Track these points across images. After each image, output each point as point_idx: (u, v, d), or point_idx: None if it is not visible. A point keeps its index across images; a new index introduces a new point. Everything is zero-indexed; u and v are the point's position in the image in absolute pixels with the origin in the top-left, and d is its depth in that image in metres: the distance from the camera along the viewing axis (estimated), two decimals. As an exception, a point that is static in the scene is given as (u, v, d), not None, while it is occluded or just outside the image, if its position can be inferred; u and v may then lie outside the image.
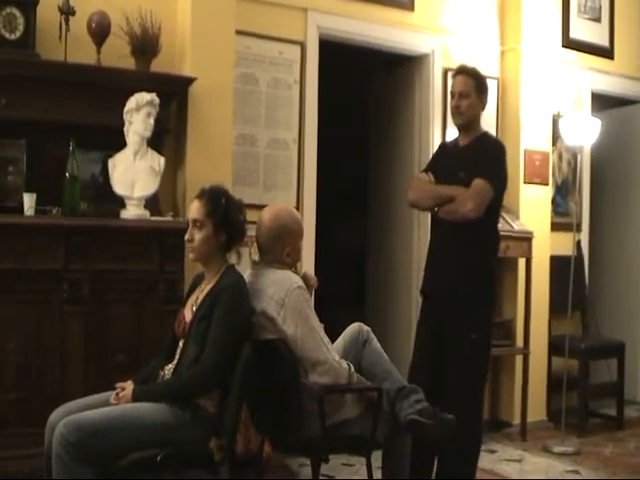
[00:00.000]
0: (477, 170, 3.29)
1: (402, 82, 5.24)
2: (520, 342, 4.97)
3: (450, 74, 4.28)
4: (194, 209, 2.75)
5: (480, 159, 3.35)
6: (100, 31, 3.58)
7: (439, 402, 3.02)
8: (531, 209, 5.14)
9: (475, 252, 3.35)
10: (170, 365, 2.71)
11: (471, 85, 3.41)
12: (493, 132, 5.01)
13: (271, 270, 2.87)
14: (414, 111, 5.12)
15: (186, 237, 2.76)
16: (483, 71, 3.56)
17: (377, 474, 2.95)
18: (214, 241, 2.74)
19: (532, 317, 4.96)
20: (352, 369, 2.83)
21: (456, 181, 3.34)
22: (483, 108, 3.50)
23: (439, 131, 5.00)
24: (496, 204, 3.40)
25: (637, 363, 5.89)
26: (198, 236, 2.73)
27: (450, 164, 3.44)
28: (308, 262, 4.30)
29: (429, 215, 3.63)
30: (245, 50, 4.25)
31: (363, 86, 5.89)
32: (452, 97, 3.47)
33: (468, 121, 3.43)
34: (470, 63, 3.64)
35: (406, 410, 2.85)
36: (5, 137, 3.36)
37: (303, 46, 4.47)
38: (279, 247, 2.88)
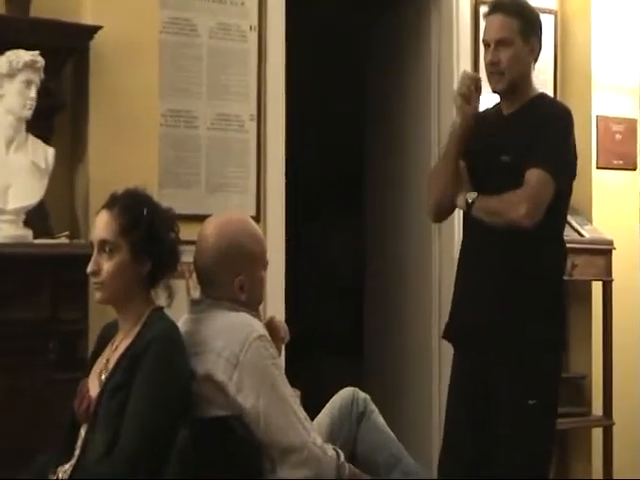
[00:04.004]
0: (530, 153, 3.32)
1: (412, 28, 5.31)
2: (598, 408, 5.01)
3: (482, 11, 4.32)
4: (101, 225, 2.76)
5: (534, 135, 3.37)
6: (-49, -41, 3.61)
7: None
8: (609, 207, 5.22)
9: (531, 274, 3.38)
10: (67, 465, 2.70)
11: (514, 28, 3.42)
12: (549, 92, 5.05)
13: (218, 313, 2.88)
14: (430, 69, 5.19)
15: (89, 268, 2.76)
16: (531, 1, 3.59)
17: None
18: (132, 273, 2.75)
19: (615, 370, 5.00)
20: (342, 457, 2.84)
21: (498, 168, 3.38)
22: (535, 59, 3.52)
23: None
24: (560, 202, 3.44)
25: None
26: (108, 266, 2.73)
27: (490, 143, 3.46)
28: (275, 298, 4.32)
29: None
30: (175, -18, 4.30)
31: (356, 36, 5.95)
32: (486, 48, 3.49)
33: (513, 83, 3.45)
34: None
35: (425, 516, 2.88)
36: None
37: (262, -25, 4.52)
38: (228, 276, 2.91)
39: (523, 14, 3.47)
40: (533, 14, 3.52)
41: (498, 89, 3.49)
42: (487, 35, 3.49)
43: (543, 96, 3.63)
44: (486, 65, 3.51)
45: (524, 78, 3.49)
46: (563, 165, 3.40)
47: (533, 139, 3.36)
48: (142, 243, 2.74)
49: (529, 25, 3.47)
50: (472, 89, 3.43)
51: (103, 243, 2.75)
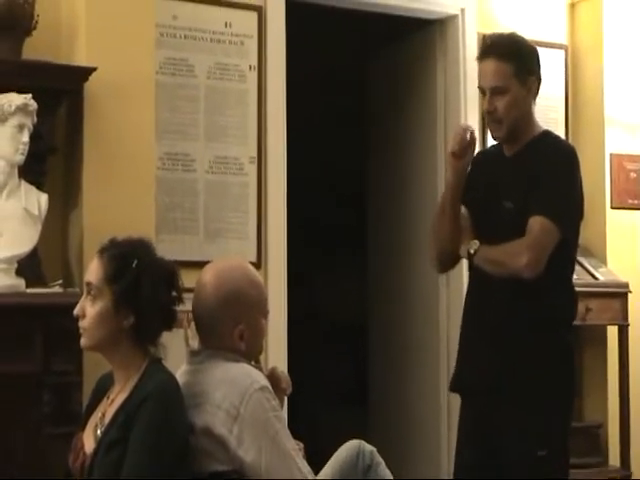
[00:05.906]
0: (533, 198, 3.31)
1: (417, 60, 5.35)
2: (615, 459, 4.99)
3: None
4: (91, 267, 2.75)
5: (536, 179, 3.36)
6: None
7: None
8: (625, 248, 5.22)
9: (539, 322, 3.37)
10: (61, 525, 2.71)
11: (508, 73, 3.37)
12: (560, 131, 5.08)
13: (218, 363, 2.87)
14: (435, 102, 5.22)
15: (75, 311, 2.74)
16: (541, 36, 3.54)
17: None
18: (114, 323, 2.71)
19: (632, 419, 4.98)
20: (348, 514, 2.85)
21: (502, 215, 3.37)
22: (534, 96, 3.51)
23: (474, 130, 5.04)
24: (568, 246, 3.42)
25: None
26: (90, 311, 2.71)
27: (491, 188, 3.45)
28: (277, 347, 4.32)
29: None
30: (172, 22, 4.35)
31: (357, 69, 5.99)
32: (482, 94, 3.48)
33: (512, 128, 3.43)
34: (511, 27, 3.63)
35: None
36: None
37: (262, 13, 4.56)
38: (228, 325, 2.90)
39: (517, 55, 3.40)
40: (528, 52, 3.46)
41: (498, 137, 3.47)
42: (482, 82, 3.43)
43: (546, 134, 3.55)
44: (484, 112, 3.49)
45: (524, 120, 3.45)
46: (568, 209, 3.38)
47: (535, 183, 3.32)
48: (125, 295, 2.70)
49: (524, 66, 3.40)
50: (464, 144, 3.40)
51: (89, 285, 2.73)
